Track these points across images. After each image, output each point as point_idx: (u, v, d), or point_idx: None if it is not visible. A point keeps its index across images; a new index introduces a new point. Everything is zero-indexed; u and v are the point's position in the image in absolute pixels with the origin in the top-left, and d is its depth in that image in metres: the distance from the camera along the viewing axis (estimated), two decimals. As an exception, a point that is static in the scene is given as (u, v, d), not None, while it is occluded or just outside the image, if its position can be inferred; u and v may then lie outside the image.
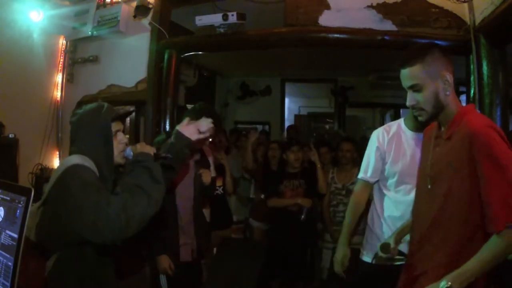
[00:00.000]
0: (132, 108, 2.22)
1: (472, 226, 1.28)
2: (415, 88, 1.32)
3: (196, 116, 2.26)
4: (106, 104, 1.55)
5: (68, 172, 1.31)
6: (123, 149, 1.51)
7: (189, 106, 5.49)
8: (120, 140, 1.50)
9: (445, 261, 1.32)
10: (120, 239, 1.21)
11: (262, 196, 3.46)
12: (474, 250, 1.23)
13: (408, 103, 1.36)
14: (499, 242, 1.19)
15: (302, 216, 3.00)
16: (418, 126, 1.88)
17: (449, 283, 1.17)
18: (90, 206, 1.19)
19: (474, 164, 1.23)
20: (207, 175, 2.41)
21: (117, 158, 1.50)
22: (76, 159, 1.37)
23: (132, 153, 1.48)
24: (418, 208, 1.50)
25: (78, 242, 1.31)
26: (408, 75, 1.33)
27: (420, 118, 1.36)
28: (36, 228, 1.34)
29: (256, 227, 3.66)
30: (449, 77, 1.28)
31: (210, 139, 2.38)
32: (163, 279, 2.27)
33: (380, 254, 1.61)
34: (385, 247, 1.58)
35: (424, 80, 1.30)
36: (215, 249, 3.49)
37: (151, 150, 1.45)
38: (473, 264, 1.20)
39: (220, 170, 3.38)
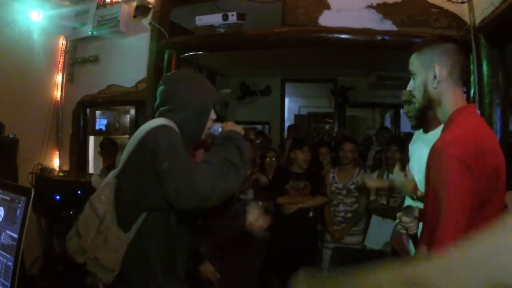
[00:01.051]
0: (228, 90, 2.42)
1: None
2: (410, 73, 1.33)
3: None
4: (208, 84, 1.58)
5: (156, 131, 1.33)
6: (210, 126, 1.56)
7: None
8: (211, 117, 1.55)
9: None
10: (202, 206, 1.25)
11: (260, 203, 3.45)
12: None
13: (407, 88, 1.36)
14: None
15: (311, 213, 3.02)
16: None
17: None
18: (177, 169, 1.21)
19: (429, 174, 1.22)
20: None
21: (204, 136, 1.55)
22: (163, 121, 1.39)
23: (220, 129, 1.51)
24: None
25: (160, 208, 1.35)
26: (409, 60, 1.34)
27: (416, 105, 1.36)
28: (115, 200, 1.39)
29: (256, 233, 3.65)
30: (438, 70, 1.23)
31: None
32: None
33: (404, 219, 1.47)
34: (409, 209, 1.44)
35: (416, 68, 1.29)
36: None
37: (241, 130, 1.50)
38: None
39: None
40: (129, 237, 1.37)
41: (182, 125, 1.45)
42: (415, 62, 1.30)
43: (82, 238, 1.36)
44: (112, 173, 1.45)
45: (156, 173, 1.25)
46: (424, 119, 1.82)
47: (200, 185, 1.19)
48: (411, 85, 1.34)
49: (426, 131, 1.91)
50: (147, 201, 1.36)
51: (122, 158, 1.43)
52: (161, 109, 1.51)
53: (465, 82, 1.38)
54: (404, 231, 1.52)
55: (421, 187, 1.74)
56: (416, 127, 1.97)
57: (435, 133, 1.71)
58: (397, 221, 1.45)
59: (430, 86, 1.25)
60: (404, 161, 2.08)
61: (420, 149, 1.83)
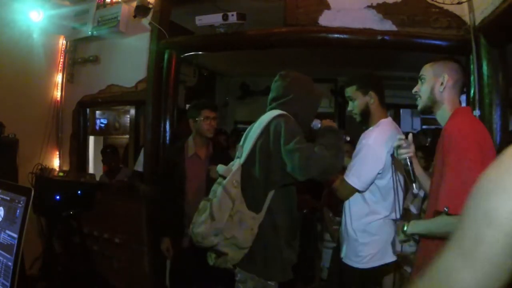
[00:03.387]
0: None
1: None
2: (421, 78, 1.61)
3: (199, 109, 2.56)
4: (314, 85, 1.98)
5: (279, 119, 1.66)
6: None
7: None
8: None
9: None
10: (320, 178, 1.67)
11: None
12: None
13: (413, 90, 1.63)
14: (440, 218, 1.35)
15: (304, 211, 3.01)
16: None
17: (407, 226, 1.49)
18: (301, 148, 1.55)
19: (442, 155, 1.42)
20: (214, 171, 2.43)
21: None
22: (281, 112, 1.72)
23: (319, 125, 1.94)
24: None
25: (286, 183, 1.66)
26: (423, 67, 1.62)
27: (419, 105, 1.62)
28: (244, 184, 1.64)
29: None
30: (446, 79, 1.52)
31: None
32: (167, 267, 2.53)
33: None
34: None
35: (428, 74, 1.57)
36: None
37: (335, 125, 1.94)
38: (426, 223, 1.50)
39: None
40: (261, 216, 1.61)
41: (296, 116, 1.75)
42: (428, 70, 1.58)
43: (216, 220, 1.56)
44: (237, 161, 1.72)
45: (281, 153, 1.58)
46: (368, 116, 2.15)
47: (318, 160, 1.53)
48: (418, 87, 1.61)
49: (367, 127, 2.20)
50: (274, 178, 1.62)
51: (246, 146, 1.73)
52: (279, 101, 1.83)
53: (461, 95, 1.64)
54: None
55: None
56: (361, 124, 2.24)
57: (374, 134, 2.09)
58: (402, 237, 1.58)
59: (436, 90, 1.54)
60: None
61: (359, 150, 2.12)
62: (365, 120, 2.17)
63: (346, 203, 2.12)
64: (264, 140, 1.67)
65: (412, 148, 1.62)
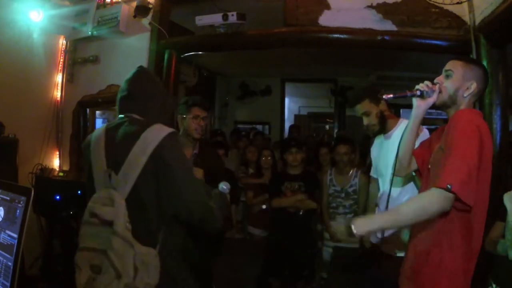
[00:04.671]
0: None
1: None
2: (447, 73, 1.54)
3: (188, 107, 2.36)
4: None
5: (171, 141, 1.43)
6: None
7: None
8: None
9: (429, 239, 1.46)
10: (198, 224, 1.53)
11: (264, 206, 3.48)
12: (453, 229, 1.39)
13: (435, 80, 1.56)
14: (429, 195, 1.31)
15: (300, 212, 3.01)
16: None
17: (354, 228, 1.31)
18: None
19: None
20: (198, 173, 2.22)
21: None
22: (168, 130, 1.45)
23: (227, 190, 1.82)
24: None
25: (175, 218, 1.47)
26: (452, 63, 1.56)
27: (437, 99, 1.55)
28: (132, 219, 1.36)
29: (257, 234, 3.66)
30: (474, 87, 1.50)
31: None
32: None
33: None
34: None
35: (457, 73, 1.52)
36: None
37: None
38: (388, 214, 1.44)
39: (226, 175, 3.39)
40: (157, 249, 1.39)
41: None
42: (459, 69, 1.53)
43: (124, 276, 1.30)
44: (115, 195, 1.37)
45: (171, 184, 1.40)
46: (385, 122, 2.19)
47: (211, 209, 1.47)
48: (442, 80, 1.55)
49: (385, 133, 2.25)
50: (167, 210, 1.43)
51: (126, 174, 1.39)
52: (145, 108, 1.58)
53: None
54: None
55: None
56: (379, 132, 2.28)
57: (394, 132, 2.18)
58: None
59: (461, 93, 1.51)
60: None
61: (388, 150, 2.15)
62: (383, 127, 2.25)
63: (398, 193, 2.15)
64: (153, 168, 1.38)
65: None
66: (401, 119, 2.25)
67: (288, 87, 7.31)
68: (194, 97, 2.50)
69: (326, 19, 2.98)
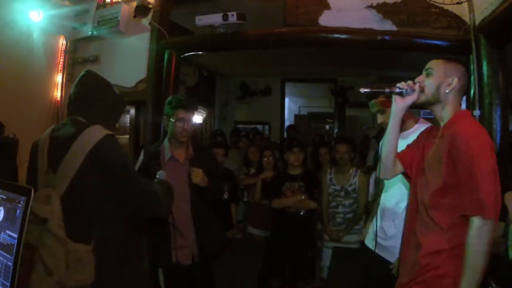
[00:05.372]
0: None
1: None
2: (428, 71, 1.54)
3: (172, 108, 2.23)
4: None
5: (108, 143, 1.51)
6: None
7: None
8: None
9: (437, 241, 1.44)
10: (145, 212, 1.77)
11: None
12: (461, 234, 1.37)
13: (416, 79, 1.55)
14: (485, 228, 1.30)
15: (301, 213, 3.01)
16: None
17: None
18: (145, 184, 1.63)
19: (452, 159, 1.39)
20: (196, 175, 2.15)
21: None
22: (104, 131, 1.53)
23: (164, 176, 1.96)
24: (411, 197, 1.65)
25: (117, 218, 1.52)
26: (433, 61, 1.56)
27: (421, 97, 1.55)
28: (66, 217, 1.39)
29: (256, 234, 3.66)
30: (455, 82, 1.49)
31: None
32: (160, 276, 2.25)
33: None
34: None
35: (438, 70, 1.52)
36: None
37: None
38: (470, 274, 1.32)
39: (225, 175, 3.39)
40: (92, 245, 1.42)
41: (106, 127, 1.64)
42: (439, 66, 1.53)
43: (55, 273, 1.32)
44: (51, 192, 1.41)
45: (113, 184, 1.49)
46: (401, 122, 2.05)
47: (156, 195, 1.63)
48: (423, 79, 1.54)
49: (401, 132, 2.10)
50: (105, 209, 1.48)
51: (63, 173, 1.44)
52: (87, 110, 1.63)
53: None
54: None
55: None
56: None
57: (412, 133, 2.02)
58: None
59: (442, 89, 1.51)
60: None
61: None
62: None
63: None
64: (90, 168, 1.44)
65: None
66: (420, 119, 2.11)
67: (288, 87, 7.32)
68: (178, 97, 2.30)
69: (326, 19, 2.98)
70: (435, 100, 1.52)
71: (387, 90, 1.54)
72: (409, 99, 1.52)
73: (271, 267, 3.09)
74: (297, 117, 8.08)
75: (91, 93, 1.64)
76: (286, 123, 7.16)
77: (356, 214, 3.20)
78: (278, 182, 3.19)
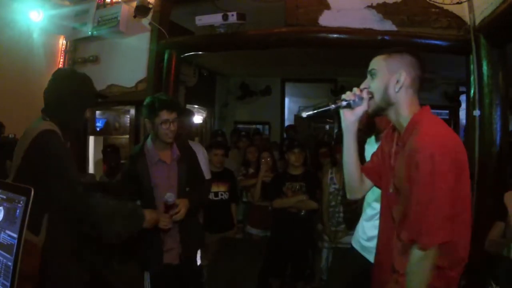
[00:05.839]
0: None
1: None
2: (371, 72, 1.35)
3: (155, 110, 2.14)
4: None
5: (45, 136, 1.59)
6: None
7: (188, 106, 5.50)
8: None
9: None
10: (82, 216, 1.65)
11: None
12: None
13: (361, 86, 1.37)
14: (417, 265, 1.18)
15: (302, 213, 3.01)
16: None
17: None
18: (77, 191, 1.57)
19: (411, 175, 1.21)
20: (181, 214, 2.11)
21: None
22: (48, 126, 1.63)
23: (172, 200, 2.06)
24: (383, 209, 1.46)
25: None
26: (373, 61, 1.37)
27: (370, 107, 1.35)
28: None
29: (255, 234, 3.66)
30: (403, 77, 1.28)
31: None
32: (146, 279, 2.24)
33: None
34: None
35: (381, 69, 1.32)
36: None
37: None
38: None
39: (225, 175, 3.39)
40: (42, 239, 1.46)
41: (65, 124, 1.76)
42: (381, 64, 1.33)
43: None
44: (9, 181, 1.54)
45: (48, 178, 1.53)
46: (374, 126, 1.97)
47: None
48: (368, 83, 1.35)
49: (377, 139, 2.02)
50: (46, 201, 1.46)
51: (14, 162, 1.62)
52: (48, 108, 1.81)
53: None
54: None
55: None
56: (368, 135, 2.08)
57: None
58: None
59: (391, 89, 1.30)
60: None
61: None
62: (371, 130, 2.15)
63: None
64: (30, 157, 1.58)
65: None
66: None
67: (288, 87, 7.32)
68: (159, 97, 2.21)
69: (326, 19, 2.98)
70: (387, 104, 1.31)
71: (332, 106, 1.35)
72: (360, 110, 1.34)
73: (271, 267, 3.09)
74: (297, 117, 8.08)
75: (48, 90, 1.82)
76: (286, 123, 7.16)
77: (355, 214, 3.20)
78: (278, 182, 3.19)
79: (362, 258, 2.01)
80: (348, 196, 1.58)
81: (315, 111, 1.37)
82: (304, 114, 1.41)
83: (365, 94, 1.33)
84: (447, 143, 1.19)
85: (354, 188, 1.52)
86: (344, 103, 1.34)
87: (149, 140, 2.24)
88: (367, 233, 2.03)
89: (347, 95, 1.35)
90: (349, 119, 1.37)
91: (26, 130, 1.68)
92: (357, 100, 1.33)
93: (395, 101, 1.30)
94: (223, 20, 3.03)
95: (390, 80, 1.30)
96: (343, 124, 1.39)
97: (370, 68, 1.36)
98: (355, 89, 1.35)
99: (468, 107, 2.68)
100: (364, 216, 2.12)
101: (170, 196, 2.03)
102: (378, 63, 1.34)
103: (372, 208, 2.03)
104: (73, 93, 1.77)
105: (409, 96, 1.30)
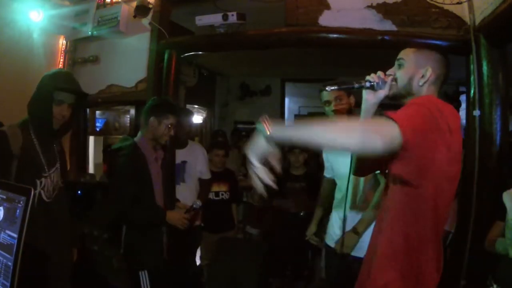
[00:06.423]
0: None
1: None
2: (399, 62, 1.43)
3: (165, 112, 2.30)
4: None
5: None
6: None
7: (188, 106, 5.50)
8: None
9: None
10: None
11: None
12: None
13: (387, 71, 1.44)
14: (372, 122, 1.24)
15: (302, 213, 3.01)
16: None
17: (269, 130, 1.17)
18: None
19: None
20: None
21: None
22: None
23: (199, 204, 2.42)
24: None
25: None
26: (404, 51, 1.45)
27: (391, 91, 1.42)
28: None
29: (254, 234, 3.66)
30: (429, 73, 1.35)
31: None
32: (143, 276, 2.26)
33: None
34: None
35: (409, 61, 1.39)
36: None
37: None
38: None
39: (226, 175, 3.38)
40: None
41: (33, 119, 1.96)
42: (410, 56, 1.40)
43: None
44: None
45: None
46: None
47: None
48: (394, 71, 1.43)
49: None
50: None
51: None
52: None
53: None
54: None
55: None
56: None
57: None
58: None
59: (415, 82, 1.37)
60: None
61: None
62: None
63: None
64: None
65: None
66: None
67: (288, 87, 7.32)
68: (167, 101, 2.42)
69: (326, 19, 2.98)
70: (407, 93, 1.39)
71: (356, 85, 1.40)
72: (382, 93, 1.40)
73: (271, 267, 3.09)
74: (297, 117, 8.08)
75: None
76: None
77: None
78: (279, 182, 3.19)
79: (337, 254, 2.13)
80: (353, 174, 1.63)
81: (339, 87, 1.44)
82: (328, 88, 1.44)
83: (389, 80, 1.39)
84: (439, 104, 1.24)
85: (364, 168, 1.58)
86: (368, 84, 1.39)
87: (141, 138, 2.32)
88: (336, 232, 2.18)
89: (372, 77, 1.40)
90: (371, 101, 1.43)
91: None
92: (380, 83, 1.39)
93: (416, 92, 1.37)
94: (223, 20, 3.03)
95: (416, 74, 1.37)
96: (364, 105, 1.45)
97: (399, 57, 1.43)
98: (380, 73, 1.41)
99: (468, 107, 2.68)
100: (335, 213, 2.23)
101: (197, 203, 2.36)
102: (407, 54, 1.41)
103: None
104: (38, 88, 1.97)
105: (430, 92, 1.37)
